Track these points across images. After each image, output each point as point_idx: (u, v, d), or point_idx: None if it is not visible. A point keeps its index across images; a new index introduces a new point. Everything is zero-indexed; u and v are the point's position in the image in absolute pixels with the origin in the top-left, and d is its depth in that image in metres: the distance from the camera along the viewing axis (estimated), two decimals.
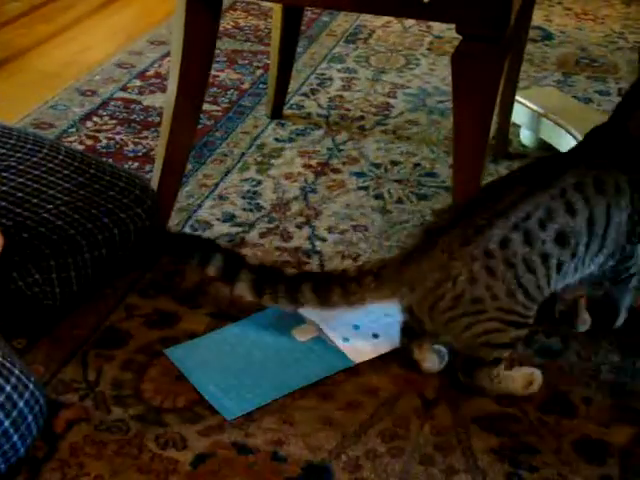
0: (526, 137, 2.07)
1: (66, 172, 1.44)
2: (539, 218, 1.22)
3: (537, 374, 1.31)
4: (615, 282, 1.39)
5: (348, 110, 2.24)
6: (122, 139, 2.05)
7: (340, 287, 1.28)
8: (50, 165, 1.43)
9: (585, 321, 1.43)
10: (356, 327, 1.43)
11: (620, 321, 1.43)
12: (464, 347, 1.26)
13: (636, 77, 1.38)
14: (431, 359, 1.32)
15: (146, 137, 2.06)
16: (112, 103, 2.23)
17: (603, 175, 1.27)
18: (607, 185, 1.26)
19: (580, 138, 1.82)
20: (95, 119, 2.14)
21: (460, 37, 1.32)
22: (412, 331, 1.31)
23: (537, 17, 2.93)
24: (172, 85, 1.54)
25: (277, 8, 2.03)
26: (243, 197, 1.82)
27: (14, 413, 1.08)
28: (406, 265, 1.25)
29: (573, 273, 1.28)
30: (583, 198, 1.24)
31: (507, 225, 1.21)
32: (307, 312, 1.44)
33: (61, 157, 1.45)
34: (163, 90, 1.57)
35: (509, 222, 1.21)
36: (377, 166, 1.97)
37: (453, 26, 1.32)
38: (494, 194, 1.25)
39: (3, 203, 1.38)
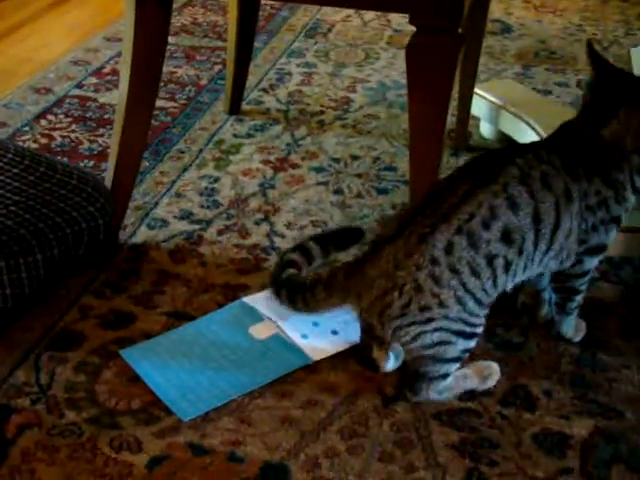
0: (486, 129, 2.07)
1: (15, 171, 1.41)
2: (482, 217, 1.18)
3: (494, 367, 1.30)
4: (560, 288, 1.37)
5: (307, 105, 2.22)
6: (77, 137, 2.02)
7: (301, 296, 1.27)
8: None
9: (581, 329, 1.42)
10: (315, 324, 1.41)
11: (569, 335, 1.41)
12: (412, 359, 1.24)
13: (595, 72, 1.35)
14: (388, 359, 1.31)
15: (102, 135, 2.03)
16: (67, 101, 2.20)
17: (551, 172, 1.24)
18: (555, 184, 1.23)
19: (540, 130, 1.82)
20: (50, 117, 2.10)
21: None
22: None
23: (496, 10, 2.94)
24: (124, 82, 1.51)
25: (232, 3, 2.00)
26: (201, 194, 1.79)
27: None
28: (352, 274, 1.23)
29: (523, 272, 1.25)
30: (527, 192, 1.21)
31: (450, 229, 1.18)
32: (265, 309, 1.43)
33: (10, 155, 1.42)
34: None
35: (452, 226, 1.18)
36: (336, 161, 1.95)
37: None
38: (437, 198, 1.22)
39: None
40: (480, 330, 1.24)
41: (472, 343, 1.24)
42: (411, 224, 1.20)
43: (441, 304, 1.18)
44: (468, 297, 1.19)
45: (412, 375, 1.26)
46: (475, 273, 1.19)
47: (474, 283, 1.19)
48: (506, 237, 1.20)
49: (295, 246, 1.36)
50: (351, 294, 1.23)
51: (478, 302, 1.21)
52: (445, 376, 1.25)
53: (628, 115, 1.26)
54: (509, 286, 1.26)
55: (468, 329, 1.22)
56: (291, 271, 1.31)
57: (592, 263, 1.34)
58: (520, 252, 1.22)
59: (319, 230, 1.67)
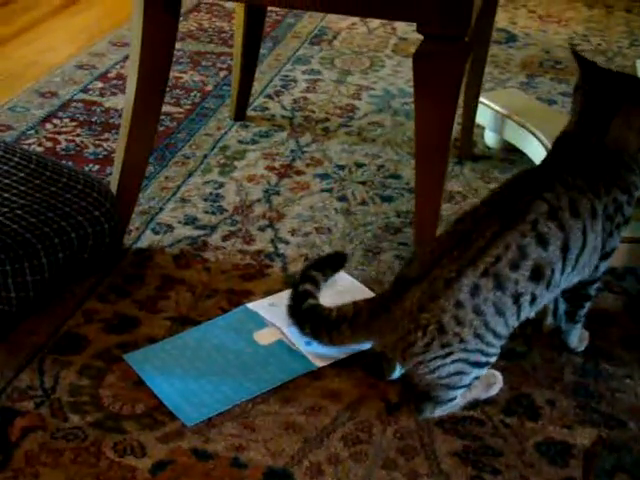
0: (490, 138, 2.07)
1: (22, 175, 1.41)
2: (510, 259, 1.18)
3: (498, 376, 1.31)
4: (573, 296, 1.36)
5: (312, 112, 2.23)
6: (82, 141, 2.02)
7: (326, 332, 1.29)
8: (5, 168, 1.40)
9: (584, 339, 1.42)
10: None
11: (574, 345, 1.41)
12: (424, 385, 1.25)
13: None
14: (394, 370, 1.31)
15: (107, 139, 2.03)
16: (73, 105, 2.20)
17: (578, 196, 1.24)
18: (583, 208, 1.24)
19: (544, 139, 1.83)
20: (55, 121, 2.11)
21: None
22: None
23: (502, 19, 2.94)
24: (131, 87, 1.51)
25: (239, 9, 2.01)
26: (205, 200, 1.80)
27: None
28: (377, 314, 1.24)
29: (548, 298, 1.27)
30: (557, 225, 1.21)
31: (476, 272, 1.18)
32: (269, 315, 1.43)
33: (16, 159, 1.43)
34: (125, 92, 1.55)
35: (478, 269, 1.18)
36: (341, 168, 1.95)
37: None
38: (463, 240, 1.21)
39: None
40: (494, 359, 1.25)
41: (484, 371, 1.26)
42: (436, 266, 1.20)
43: (462, 341, 1.19)
44: (489, 333, 1.20)
45: (420, 396, 1.26)
46: (500, 312, 1.19)
47: (497, 321, 1.20)
48: (535, 274, 1.20)
49: (302, 277, 1.38)
50: (374, 333, 1.24)
51: (498, 336, 1.22)
52: (453, 399, 1.26)
53: (630, 113, 1.27)
54: (532, 315, 1.27)
55: (484, 359, 1.23)
56: (311, 302, 1.33)
57: (605, 267, 1.34)
58: (548, 285, 1.22)
59: (323, 237, 1.68)
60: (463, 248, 1.20)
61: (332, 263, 1.46)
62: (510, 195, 1.26)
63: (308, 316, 1.32)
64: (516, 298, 1.20)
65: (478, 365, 1.23)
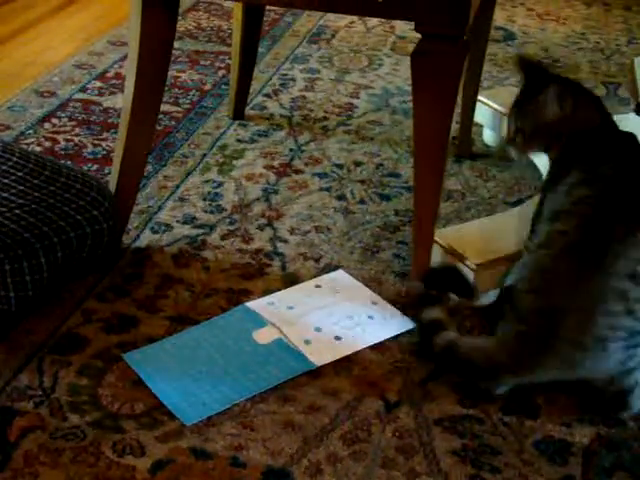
0: (489, 137, 2.07)
1: (20, 174, 1.41)
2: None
3: None
4: None
5: (311, 111, 2.23)
6: (81, 141, 2.02)
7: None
8: (3, 167, 1.40)
9: None
10: (318, 329, 1.41)
11: None
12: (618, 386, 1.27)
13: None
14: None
15: (106, 139, 2.03)
16: (71, 104, 2.20)
17: None
18: None
19: None
20: (54, 120, 2.11)
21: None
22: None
23: (500, 18, 2.95)
24: (129, 86, 1.51)
25: (237, 8, 2.01)
26: (204, 199, 1.80)
27: None
28: (537, 353, 1.26)
29: None
30: None
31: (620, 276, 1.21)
32: (268, 315, 1.43)
33: (15, 159, 1.42)
34: (123, 91, 1.55)
35: (621, 273, 1.20)
36: (340, 167, 1.95)
37: None
38: (591, 247, 1.23)
39: None
40: None
41: None
42: (582, 279, 1.23)
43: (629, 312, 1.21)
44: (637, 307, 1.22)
45: (616, 395, 1.27)
46: None
47: None
48: None
49: (430, 324, 1.37)
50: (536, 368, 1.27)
51: None
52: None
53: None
54: None
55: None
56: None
57: None
58: None
59: (322, 236, 1.68)
60: (600, 256, 1.21)
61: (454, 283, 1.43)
62: (628, 200, 1.27)
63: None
64: None
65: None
